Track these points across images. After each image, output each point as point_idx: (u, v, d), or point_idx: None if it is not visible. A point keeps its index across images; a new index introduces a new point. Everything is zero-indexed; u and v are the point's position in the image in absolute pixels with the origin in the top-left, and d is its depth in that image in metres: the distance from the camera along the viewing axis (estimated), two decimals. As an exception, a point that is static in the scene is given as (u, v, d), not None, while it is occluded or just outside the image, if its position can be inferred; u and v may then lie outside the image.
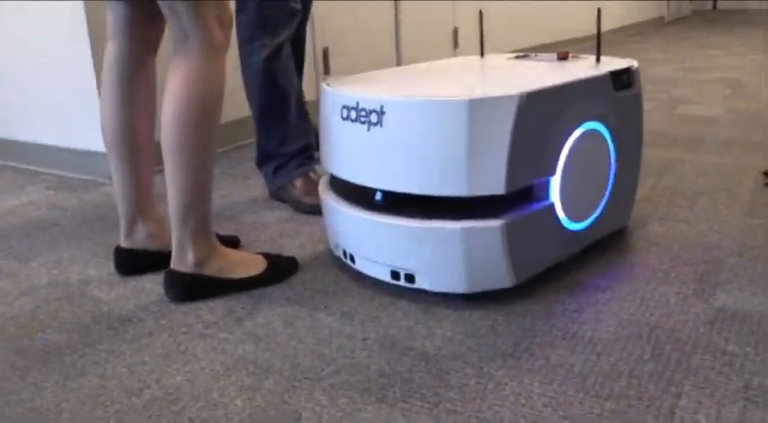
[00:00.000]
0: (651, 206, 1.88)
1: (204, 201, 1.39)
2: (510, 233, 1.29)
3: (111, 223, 1.92)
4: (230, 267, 1.46)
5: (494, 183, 1.25)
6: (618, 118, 1.49)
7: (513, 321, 1.29)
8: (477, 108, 1.22)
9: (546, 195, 1.36)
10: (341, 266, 1.56)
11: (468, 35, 4.34)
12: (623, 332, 1.24)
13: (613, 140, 1.49)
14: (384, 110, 1.28)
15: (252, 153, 2.47)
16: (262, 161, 2.05)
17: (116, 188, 1.52)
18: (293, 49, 2.05)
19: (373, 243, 1.38)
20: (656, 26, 8.19)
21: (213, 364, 1.20)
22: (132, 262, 1.57)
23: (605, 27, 6.65)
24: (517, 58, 1.72)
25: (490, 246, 1.28)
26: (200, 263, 1.41)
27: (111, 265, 1.61)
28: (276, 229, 1.82)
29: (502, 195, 1.27)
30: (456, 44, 4.25)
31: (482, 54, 1.79)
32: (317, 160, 1.97)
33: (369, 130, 1.31)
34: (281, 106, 1.95)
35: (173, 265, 1.43)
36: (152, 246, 1.55)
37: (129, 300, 1.46)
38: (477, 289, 1.34)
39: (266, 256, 1.53)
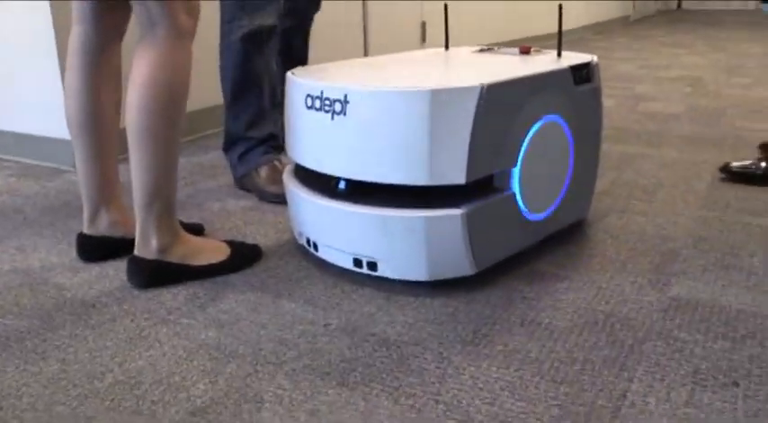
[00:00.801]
0: (611, 199, 1.93)
1: (169, 188, 1.40)
2: (471, 222, 1.31)
3: (74, 210, 1.91)
4: (194, 254, 1.46)
5: (455, 172, 1.27)
6: (577, 111, 1.52)
7: (473, 309, 1.32)
8: (439, 98, 1.24)
9: (507, 186, 1.39)
10: (304, 254, 1.57)
11: (436, 30, 4.36)
12: (579, 320, 1.27)
13: (572, 133, 1.52)
14: (348, 99, 1.29)
15: (219, 142, 2.46)
16: (228, 146, 2.06)
17: (80, 174, 1.52)
18: (287, 59, 2.11)
19: (336, 231, 1.39)
20: (622, 25, 8.31)
21: (176, 348, 1.21)
22: (95, 249, 1.56)
23: (571, 25, 6.73)
24: (481, 51, 1.75)
25: (451, 234, 1.31)
26: (163, 249, 1.42)
27: (73, 252, 1.61)
28: (240, 218, 1.83)
29: (463, 185, 1.29)
30: (424, 38, 4.28)
31: (447, 47, 1.81)
32: (284, 151, 2.00)
33: (333, 119, 1.32)
34: (253, 89, 1.96)
35: (136, 252, 1.43)
36: (115, 232, 1.55)
37: (91, 286, 1.45)
38: (439, 277, 1.37)
39: (230, 243, 1.54)
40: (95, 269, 1.53)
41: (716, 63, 4.75)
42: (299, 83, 1.41)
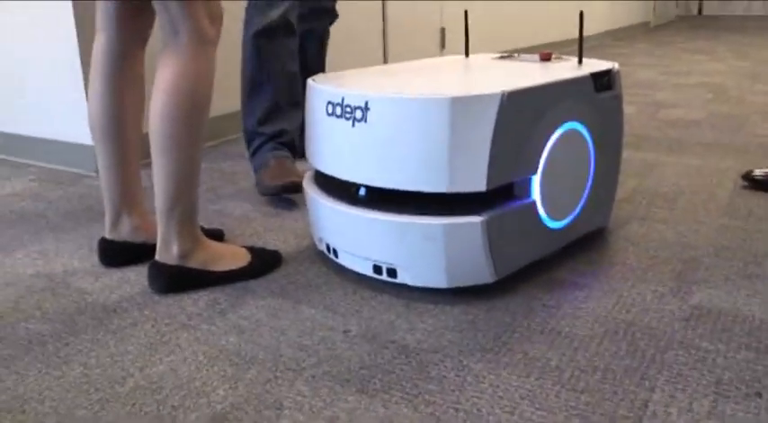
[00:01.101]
0: (632, 207, 1.92)
1: (191, 194, 1.41)
2: (491, 230, 1.31)
3: (96, 215, 1.92)
4: (214, 260, 1.47)
5: (475, 180, 1.27)
6: (598, 119, 1.51)
7: (493, 316, 1.31)
8: (460, 106, 1.24)
9: (527, 193, 1.39)
10: (324, 260, 1.58)
11: (455, 36, 4.37)
12: (600, 329, 1.27)
13: (593, 141, 1.52)
14: (368, 106, 1.30)
15: (241, 148, 2.47)
16: (247, 143, 2.13)
17: (102, 179, 1.53)
18: (303, 67, 2.18)
19: (356, 238, 1.40)
20: (642, 31, 8.27)
21: (196, 354, 1.21)
22: (117, 254, 1.58)
23: (591, 31, 6.71)
24: (501, 58, 1.75)
25: (471, 242, 1.31)
26: (184, 255, 1.43)
27: (95, 257, 1.62)
28: (261, 224, 1.83)
29: (483, 192, 1.29)
30: (443, 44, 4.28)
31: (467, 54, 1.82)
32: (296, 148, 2.11)
33: (353, 126, 1.32)
34: (266, 85, 2.03)
35: (157, 257, 1.44)
36: (137, 238, 1.56)
37: (113, 291, 1.47)
38: (458, 284, 1.36)
39: (250, 249, 1.55)
40: (117, 274, 1.54)
41: (738, 69, 4.70)
42: (320, 90, 1.41)
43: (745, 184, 2.09)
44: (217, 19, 1.38)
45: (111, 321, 1.34)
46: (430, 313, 1.33)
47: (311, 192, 1.50)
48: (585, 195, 1.54)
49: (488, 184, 1.28)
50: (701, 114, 3.19)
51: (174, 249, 1.42)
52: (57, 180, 2.31)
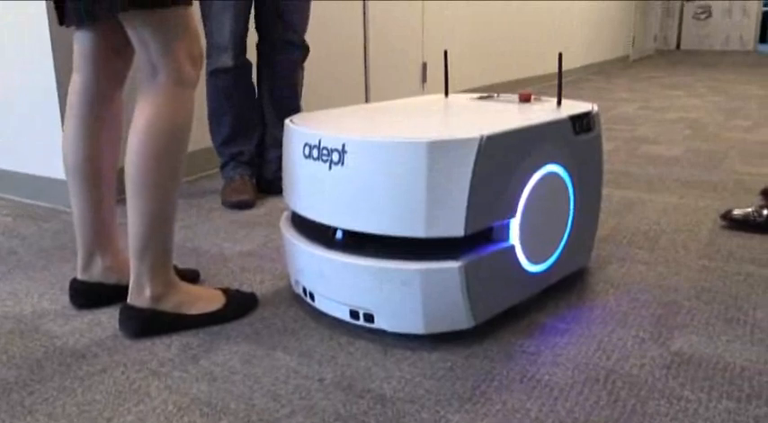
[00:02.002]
0: (612, 246, 1.91)
1: (165, 236, 1.38)
2: (469, 275, 1.29)
3: (70, 254, 1.89)
4: (188, 303, 1.44)
5: (453, 225, 1.25)
6: (578, 161, 1.51)
7: (472, 364, 1.29)
8: (437, 150, 1.23)
9: (506, 237, 1.37)
10: (301, 303, 1.55)
11: (438, 70, 4.39)
12: (580, 376, 1.24)
13: (573, 183, 1.51)
14: (346, 149, 1.28)
15: (218, 184, 2.46)
16: (218, 159, 2.46)
17: (75, 219, 1.50)
18: (279, 109, 2.42)
19: (333, 281, 1.37)
20: (622, 65, 8.38)
21: (166, 403, 1.18)
22: (88, 295, 1.54)
23: (572, 65, 6.79)
24: (480, 98, 1.74)
25: (449, 287, 1.29)
26: (157, 298, 1.39)
27: (66, 298, 1.58)
28: (238, 264, 1.80)
29: (461, 237, 1.28)
30: (425, 79, 4.30)
31: (446, 94, 1.81)
32: (255, 166, 2.46)
33: (330, 168, 1.31)
34: (222, 116, 2.35)
35: (129, 300, 1.40)
36: (109, 279, 1.53)
37: (83, 334, 1.43)
38: (436, 330, 1.34)
39: (225, 291, 1.52)
40: (88, 316, 1.51)
41: (715, 105, 4.77)
42: (297, 131, 1.40)
43: (725, 223, 2.09)
44: (197, 60, 1.37)
45: (80, 367, 1.30)
46: (407, 360, 1.30)
47: (288, 234, 1.48)
48: (565, 238, 1.53)
49: (466, 229, 1.26)
50: (679, 150, 3.22)
51: (147, 292, 1.39)
52: (32, 215, 2.27)
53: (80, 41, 1.42)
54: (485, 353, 1.32)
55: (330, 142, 1.31)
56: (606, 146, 3.34)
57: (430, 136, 1.24)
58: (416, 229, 1.26)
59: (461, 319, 1.33)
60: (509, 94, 1.78)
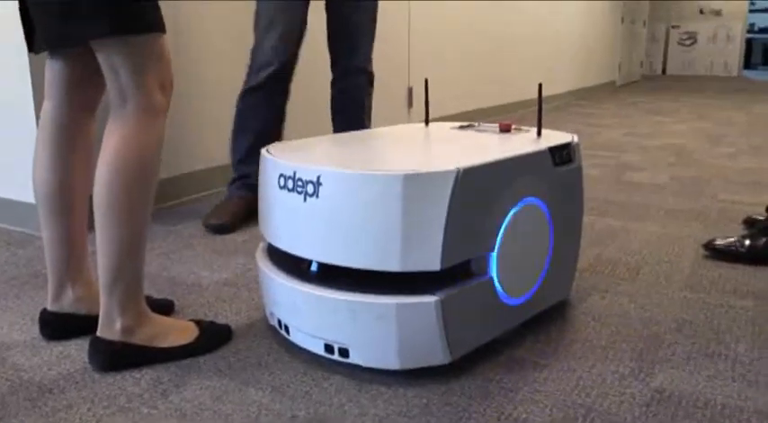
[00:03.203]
0: (594, 278, 1.89)
1: (135, 267, 1.35)
2: (446, 309, 1.27)
3: (43, 282, 1.85)
4: (160, 335, 1.40)
5: (429, 259, 1.23)
6: (557, 193, 1.49)
7: (448, 400, 1.26)
8: (413, 183, 1.21)
9: (484, 271, 1.35)
10: (276, 336, 1.52)
11: (423, 95, 4.40)
12: (558, 414, 1.22)
13: (552, 216, 1.49)
14: (320, 181, 1.26)
15: (197, 210, 2.43)
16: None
17: (46, 248, 1.47)
18: (344, 125, 2.54)
19: (307, 315, 1.34)
20: (608, 90, 8.44)
21: (132, 442, 1.14)
22: (59, 326, 1.50)
23: (558, 90, 6.83)
24: (461, 128, 1.73)
25: (425, 322, 1.26)
26: (127, 330, 1.36)
27: (36, 329, 1.55)
28: (213, 293, 1.77)
29: (438, 271, 1.25)
30: (411, 103, 4.30)
31: (427, 122, 1.80)
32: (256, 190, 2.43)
33: (305, 200, 1.29)
34: (242, 134, 2.40)
35: (99, 332, 1.37)
36: (80, 310, 1.49)
37: (51, 367, 1.39)
38: (412, 366, 1.31)
39: (199, 323, 1.48)
40: (57, 348, 1.47)
41: (699, 131, 4.79)
42: (273, 162, 1.38)
43: (707, 253, 2.08)
44: (167, 88, 1.35)
45: (46, 403, 1.26)
46: (382, 397, 1.27)
47: (263, 266, 1.45)
48: (545, 270, 1.51)
49: (443, 263, 1.24)
50: (664, 178, 3.22)
51: (117, 325, 1.35)
52: (6, 240, 2.23)
53: (51, 68, 1.40)
54: (461, 389, 1.30)
55: (305, 174, 1.29)
56: (591, 172, 3.34)
57: (406, 168, 1.22)
58: (391, 264, 1.23)
59: (438, 355, 1.30)
60: (490, 124, 1.77)
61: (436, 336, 1.27)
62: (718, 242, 2.06)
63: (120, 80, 1.29)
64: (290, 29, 2.30)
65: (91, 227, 1.40)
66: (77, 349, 1.46)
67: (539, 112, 1.58)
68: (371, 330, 1.27)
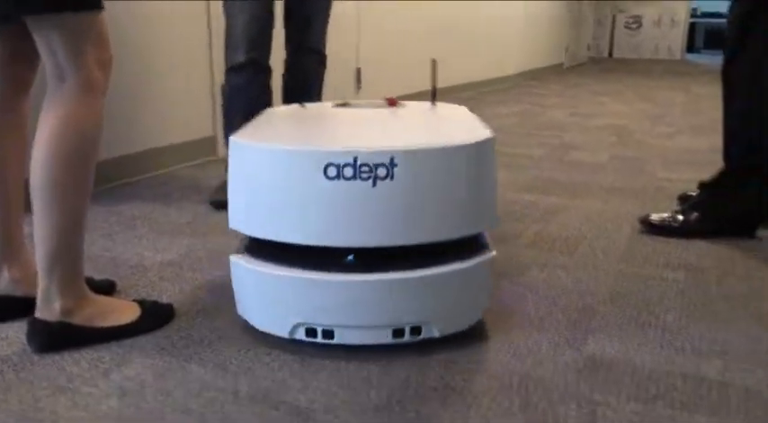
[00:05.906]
0: (534, 252, 1.94)
1: (74, 248, 1.34)
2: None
3: (-20, 265, 1.81)
4: (101, 315, 1.40)
5: (490, 218, 1.37)
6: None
7: (388, 372, 1.29)
8: (479, 150, 1.31)
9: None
10: (219, 313, 1.52)
11: (372, 76, 4.40)
12: (495, 383, 1.26)
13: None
14: (395, 162, 1.27)
15: (140, 191, 2.41)
16: None
17: (-20, 231, 1.44)
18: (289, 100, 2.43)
19: (373, 305, 1.33)
20: (556, 72, 8.56)
21: (73, 421, 1.14)
22: (-4, 309, 1.48)
23: (509, 72, 6.89)
24: (338, 105, 1.75)
25: (485, 279, 1.39)
26: (67, 311, 1.35)
27: (-27, 312, 1.52)
28: (156, 273, 1.76)
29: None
30: (359, 84, 4.30)
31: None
32: None
33: (374, 185, 1.27)
34: (233, 114, 2.33)
35: (37, 313, 1.36)
36: (17, 291, 1.47)
37: (-11, 350, 1.37)
38: (467, 325, 1.41)
39: (141, 303, 1.48)
40: (-5, 331, 1.45)
41: (642, 112, 4.91)
42: (304, 153, 1.29)
43: (643, 228, 2.15)
44: (106, 65, 1.33)
45: (-17, 385, 1.25)
46: (325, 371, 1.29)
47: (285, 273, 1.35)
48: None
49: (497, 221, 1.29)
50: (605, 157, 3.30)
51: (56, 306, 1.34)
52: (-58, 225, 2.17)
53: (-18, 46, 1.37)
54: (402, 362, 1.32)
55: (371, 158, 1.25)
56: (535, 152, 3.40)
57: (469, 138, 1.34)
58: (468, 229, 1.35)
59: (479, 313, 1.44)
60: (373, 100, 1.81)
61: (488, 290, 1.44)
62: (653, 217, 2.13)
63: (57, 58, 1.27)
64: (261, 5, 2.29)
65: (27, 208, 1.39)
66: (15, 331, 1.44)
67: (433, 89, 1.63)
68: (452, 299, 1.36)
